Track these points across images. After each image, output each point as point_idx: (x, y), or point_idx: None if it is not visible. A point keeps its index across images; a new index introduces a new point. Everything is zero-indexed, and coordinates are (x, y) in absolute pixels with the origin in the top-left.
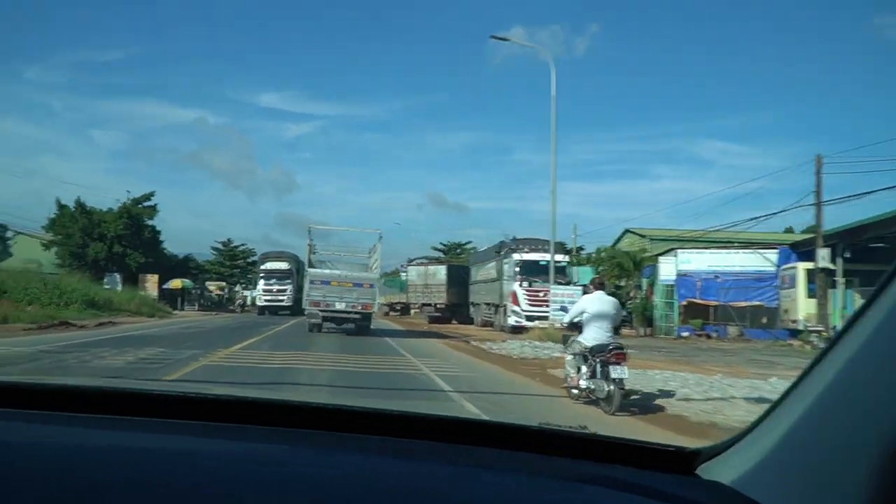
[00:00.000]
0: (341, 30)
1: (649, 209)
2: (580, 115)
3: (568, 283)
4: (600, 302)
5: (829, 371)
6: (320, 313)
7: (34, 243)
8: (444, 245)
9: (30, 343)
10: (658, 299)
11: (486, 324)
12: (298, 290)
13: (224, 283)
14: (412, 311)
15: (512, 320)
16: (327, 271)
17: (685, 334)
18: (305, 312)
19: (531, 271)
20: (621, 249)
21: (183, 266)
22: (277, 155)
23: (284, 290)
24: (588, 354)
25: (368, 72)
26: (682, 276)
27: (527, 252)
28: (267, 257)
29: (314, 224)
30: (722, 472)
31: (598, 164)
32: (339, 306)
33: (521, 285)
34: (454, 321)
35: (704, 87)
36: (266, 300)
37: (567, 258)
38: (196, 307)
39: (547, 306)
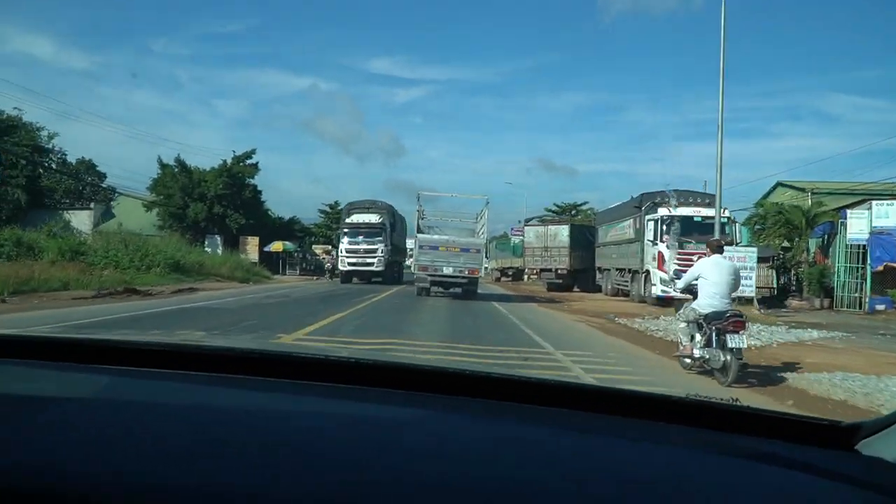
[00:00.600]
0: None
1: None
2: (696, 71)
3: (730, 244)
4: (718, 266)
5: None
6: (429, 278)
7: (136, 205)
8: (559, 206)
9: (50, 318)
10: (839, 263)
11: (619, 293)
12: (394, 251)
13: (330, 247)
14: (527, 277)
15: (657, 290)
16: (436, 236)
17: (880, 307)
18: (414, 277)
19: (683, 230)
20: (784, 204)
21: (287, 228)
22: (388, 120)
23: (374, 251)
24: (703, 322)
25: (478, 34)
26: (878, 235)
27: (677, 206)
28: (353, 207)
29: (422, 190)
30: (885, 448)
31: (713, 124)
32: (447, 271)
33: (669, 247)
34: (576, 288)
35: (831, 38)
36: (350, 263)
37: (728, 213)
38: (298, 271)
39: None
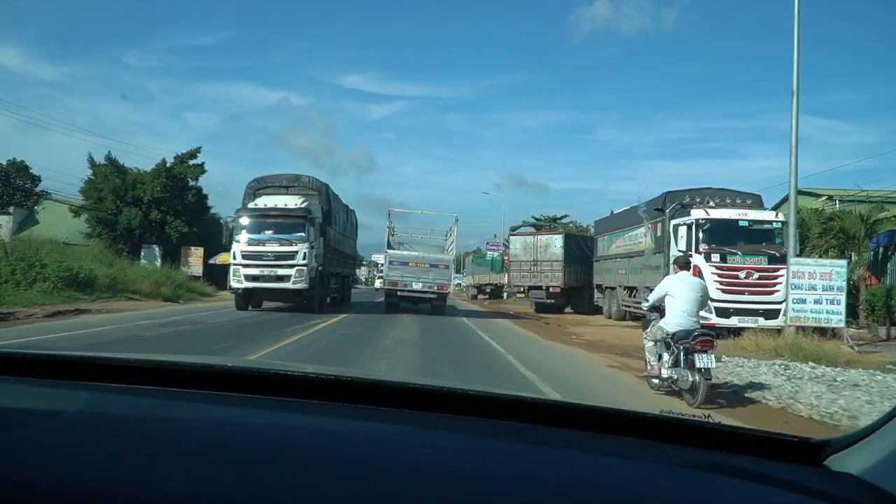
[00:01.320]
0: (424, 9)
1: (743, 188)
2: (668, 92)
3: (783, 257)
4: (685, 283)
5: None
6: (397, 293)
7: (62, 209)
8: (536, 219)
9: None
10: None
11: (627, 316)
12: (332, 256)
13: None
14: (507, 295)
15: None
16: (405, 252)
17: None
18: (384, 292)
19: (722, 237)
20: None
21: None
22: (360, 135)
23: (290, 255)
24: (670, 341)
25: (452, 51)
26: None
27: (714, 207)
28: (262, 186)
29: (393, 207)
30: (853, 463)
31: (685, 143)
32: (417, 286)
33: (707, 258)
34: (568, 309)
35: (805, 61)
36: (250, 276)
37: (780, 217)
38: None
39: (769, 292)
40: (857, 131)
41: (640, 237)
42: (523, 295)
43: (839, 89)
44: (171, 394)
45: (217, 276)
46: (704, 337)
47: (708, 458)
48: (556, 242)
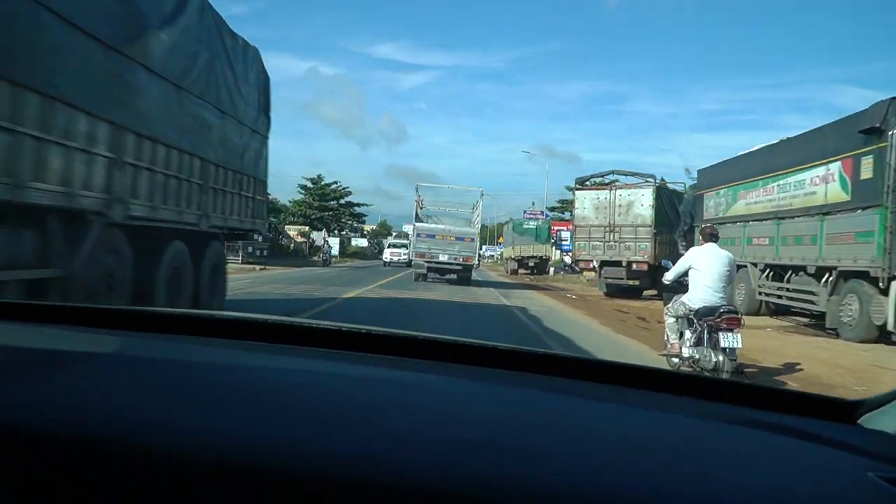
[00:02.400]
0: None
1: None
2: (704, 61)
3: None
4: (711, 256)
5: None
6: (425, 264)
7: None
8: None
9: None
10: None
11: (763, 310)
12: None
13: (306, 228)
14: (557, 270)
15: None
16: (432, 225)
17: None
18: (412, 264)
19: None
20: None
21: None
22: (391, 106)
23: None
24: (693, 318)
25: (484, 20)
26: None
27: None
28: None
29: (421, 181)
30: (886, 421)
31: (721, 115)
32: (443, 258)
33: None
34: (649, 293)
35: (847, 30)
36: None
37: None
38: (240, 258)
39: None
40: None
41: (816, 183)
42: (593, 273)
43: None
44: (208, 342)
45: None
46: (730, 314)
47: (743, 413)
48: (643, 199)
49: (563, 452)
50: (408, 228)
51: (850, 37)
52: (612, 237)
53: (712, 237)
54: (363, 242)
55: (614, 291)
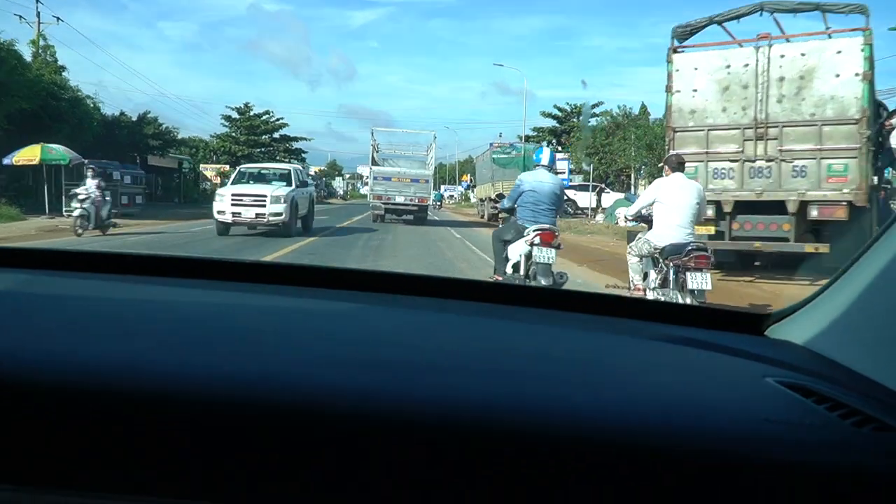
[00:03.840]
0: None
1: None
2: None
3: None
4: (678, 188)
5: None
6: (383, 206)
7: None
8: (560, 109)
9: None
10: None
11: None
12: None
13: (227, 167)
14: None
15: None
16: (388, 168)
17: None
18: (370, 206)
19: None
20: None
21: (132, 132)
22: (342, 44)
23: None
24: (658, 257)
25: None
26: None
27: None
28: None
29: (375, 125)
30: (791, 332)
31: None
32: (399, 200)
33: None
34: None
35: None
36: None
37: None
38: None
39: None
40: None
41: None
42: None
43: None
44: (171, 282)
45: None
46: (699, 252)
47: (658, 329)
48: (842, 60)
49: (477, 370)
50: (362, 170)
51: None
52: (762, 151)
53: (680, 166)
54: None
55: (740, 265)
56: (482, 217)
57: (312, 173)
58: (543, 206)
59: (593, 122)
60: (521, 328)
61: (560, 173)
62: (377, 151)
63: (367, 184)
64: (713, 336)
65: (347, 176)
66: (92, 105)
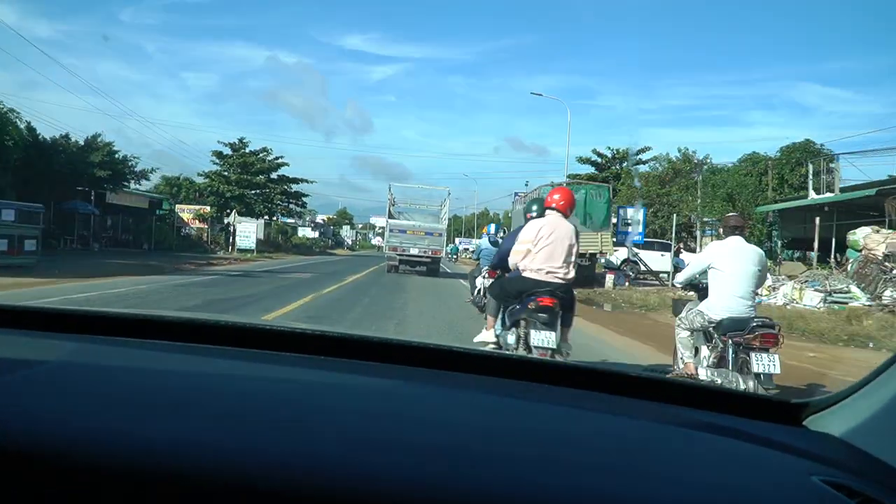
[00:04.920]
0: None
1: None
2: (671, 57)
3: None
4: (738, 253)
5: None
6: (398, 256)
7: None
8: (599, 155)
9: None
10: None
11: None
12: None
13: (207, 209)
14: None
15: None
16: (404, 222)
17: None
18: (385, 256)
19: None
20: None
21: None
22: (361, 98)
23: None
24: (714, 331)
25: (454, 12)
26: None
27: None
28: None
29: (390, 176)
30: (830, 424)
31: (688, 110)
32: (413, 251)
33: None
34: None
35: (810, 28)
36: None
37: None
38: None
39: None
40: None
41: None
42: None
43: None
44: (160, 346)
45: None
46: (765, 330)
47: (693, 415)
48: None
49: (502, 455)
50: (375, 220)
51: (813, 34)
52: None
53: (736, 229)
54: (310, 232)
55: None
56: None
57: (320, 221)
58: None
59: (644, 168)
60: (548, 410)
61: (628, 225)
62: (393, 205)
63: (379, 234)
64: (754, 426)
65: (360, 226)
66: (16, 121)
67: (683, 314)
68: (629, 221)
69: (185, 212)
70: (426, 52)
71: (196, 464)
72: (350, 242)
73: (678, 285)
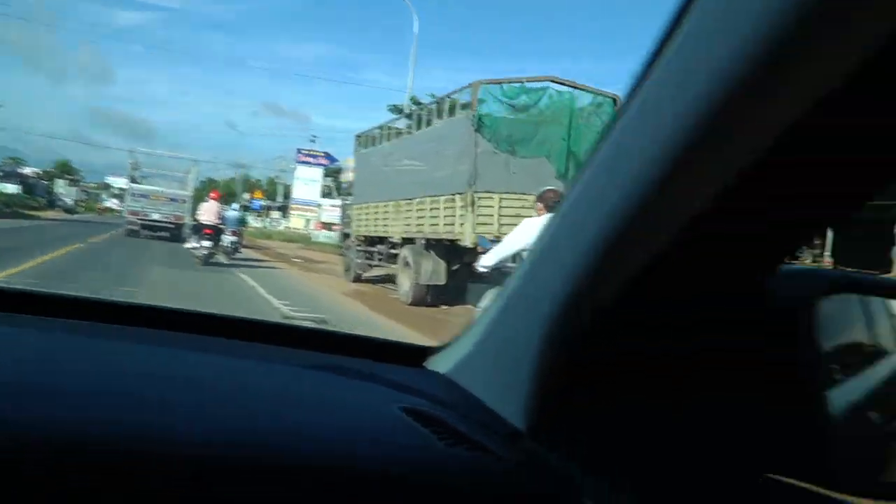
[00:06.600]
0: None
1: None
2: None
3: None
4: None
5: (526, 263)
6: (139, 221)
7: None
8: (418, 103)
9: None
10: None
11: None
12: None
13: None
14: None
15: None
16: (147, 187)
17: None
18: (126, 221)
19: None
20: None
21: None
22: (100, 43)
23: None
24: None
25: None
26: None
27: None
28: None
29: (137, 147)
30: (442, 364)
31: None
32: (156, 216)
33: None
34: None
35: None
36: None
37: None
38: None
39: None
40: None
41: None
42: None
43: None
44: None
45: None
46: None
47: (322, 359)
48: None
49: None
50: (112, 180)
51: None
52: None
53: (557, 205)
54: (10, 188)
55: None
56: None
57: (28, 172)
58: None
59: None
60: (181, 357)
61: None
62: (136, 169)
63: (116, 195)
64: (370, 366)
65: (93, 185)
66: None
67: (487, 297)
68: None
69: None
70: (181, 3)
71: None
72: (70, 202)
73: (486, 267)
